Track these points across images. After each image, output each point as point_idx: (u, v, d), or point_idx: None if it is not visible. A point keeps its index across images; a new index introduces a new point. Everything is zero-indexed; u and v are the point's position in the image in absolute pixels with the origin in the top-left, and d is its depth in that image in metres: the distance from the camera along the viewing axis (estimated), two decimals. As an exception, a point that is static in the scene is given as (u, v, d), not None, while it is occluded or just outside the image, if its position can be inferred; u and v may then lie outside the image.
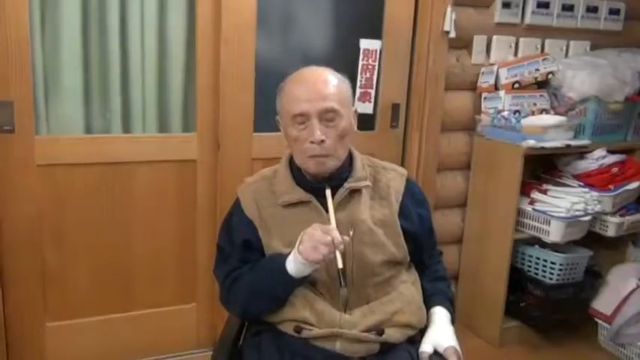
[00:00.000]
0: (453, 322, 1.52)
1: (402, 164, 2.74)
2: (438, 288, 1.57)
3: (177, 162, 2.39)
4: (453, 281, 2.89)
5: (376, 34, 2.61)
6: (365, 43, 2.59)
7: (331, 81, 1.44)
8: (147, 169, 2.34)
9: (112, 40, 2.22)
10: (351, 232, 1.39)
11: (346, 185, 1.46)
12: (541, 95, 2.78)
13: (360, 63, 2.60)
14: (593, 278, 2.82)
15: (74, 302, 2.33)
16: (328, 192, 1.40)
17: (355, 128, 1.50)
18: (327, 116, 1.40)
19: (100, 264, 2.34)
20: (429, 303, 1.52)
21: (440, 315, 1.50)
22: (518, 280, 2.73)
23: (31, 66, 2.10)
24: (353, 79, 2.51)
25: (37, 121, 2.17)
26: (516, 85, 2.72)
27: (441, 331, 1.45)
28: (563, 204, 2.55)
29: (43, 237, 2.24)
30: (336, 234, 1.29)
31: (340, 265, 1.29)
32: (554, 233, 2.55)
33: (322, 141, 1.39)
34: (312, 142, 1.39)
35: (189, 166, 2.41)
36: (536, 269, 2.72)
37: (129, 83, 2.29)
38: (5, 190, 2.14)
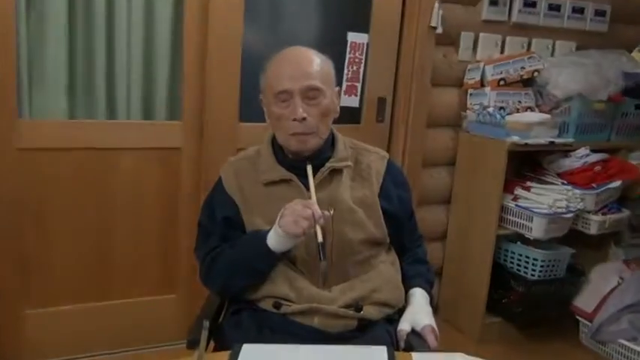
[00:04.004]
0: (432, 303, 1.56)
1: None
2: (417, 270, 1.61)
3: (161, 149, 2.41)
4: (437, 277, 2.93)
5: (364, 27, 2.65)
6: (352, 37, 2.64)
7: (315, 60, 1.48)
8: (130, 155, 2.36)
9: (98, 25, 2.25)
10: (332, 211, 1.42)
11: (327, 165, 1.50)
12: (526, 93, 2.84)
13: (347, 56, 2.64)
14: (575, 276, 2.87)
15: (54, 289, 2.34)
16: (309, 168, 1.44)
17: (338, 109, 1.55)
18: (310, 94, 1.44)
19: (80, 251, 2.35)
20: (408, 284, 1.56)
21: (418, 296, 1.54)
22: (501, 276, 2.78)
23: (15, 49, 2.11)
24: (340, 73, 2.56)
25: (20, 105, 2.18)
26: (502, 82, 2.78)
27: (418, 311, 1.49)
28: (545, 201, 2.61)
29: (23, 222, 2.25)
30: (317, 208, 1.33)
31: (320, 238, 1.32)
32: (536, 229, 2.61)
33: (304, 118, 1.43)
34: (294, 120, 1.43)
35: (173, 154, 2.43)
36: (519, 265, 2.77)
37: (114, 69, 2.31)
38: (-14, 172, 2.15)
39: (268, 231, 1.41)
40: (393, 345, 1.42)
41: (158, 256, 2.50)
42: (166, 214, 2.47)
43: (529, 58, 2.82)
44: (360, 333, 1.42)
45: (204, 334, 1.29)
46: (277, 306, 1.42)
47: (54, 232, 2.30)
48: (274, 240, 1.38)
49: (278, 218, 1.37)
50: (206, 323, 1.29)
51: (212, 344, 1.50)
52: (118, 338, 2.47)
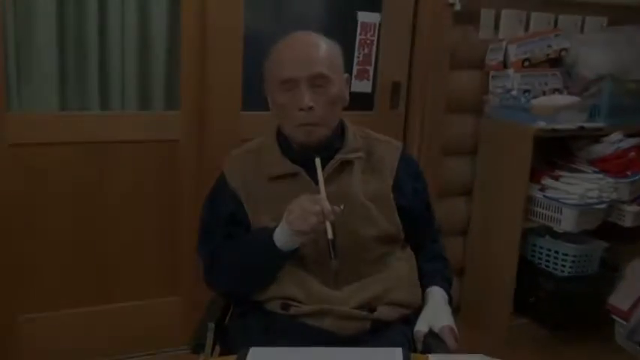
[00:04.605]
0: (450, 302, 1.59)
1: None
2: (434, 267, 1.64)
3: (158, 142, 2.45)
4: (458, 276, 2.96)
5: (375, 6, 2.68)
6: (363, 16, 2.66)
7: (321, 46, 1.51)
8: (126, 149, 2.40)
9: (90, 7, 2.28)
10: (342, 206, 1.45)
11: (337, 156, 1.53)
12: (553, 74, 2.85)
13: (358, 37, 2.67)
14: (610, 271, 2.88)
15: (50, 293, 2.39)
16: (317, 161, 1.46)
17: (347, 96, 1.58)
18: (317, 82, 1.48)
19: (76, 252, 2.41)
20: (425, 283, 1.60)
21: (436, 294, 1.57)
22: (528, 273, 2.80)
23: (1, 37, 2.15)
24: (350, 55, 2.59)
25: (9, 97, 2.23)
26: (526, 63, 2.79)
27: (437, 311, 1.52)
28: (576, 190, 2.62)
29: (15, 222, 2.30)
30: (326, 204, 1.36)
31: (330, 235, 1.35)
32: (566, 222, 2.63)
33: (311, 108, 1.46)
34: (300, 110, 1.47)
35: (171, 147, 2.47)
36: (547, 261, 2.80)
37: (107, 55, 2.35)
38: (-26, 170, 2.20)
39: (275, 228, 1.44)
40: (409, 347, 1.45)
41: (159, 256, 2.55)
42: (166, 210, 2.52)
43: (556, 36, 2.84)
44: (374, 335, 1.46)
45: (210, 338, 1.34)
46: (285, 307, 1.46)
47: (48, 232, 2.35)
48: (281, 237, 1.42)
49: (285, 215, 1.41)
50: (211, 326, 1.35)
51: (218, 348, 1.54)
52: (119, 344, 2.52)
